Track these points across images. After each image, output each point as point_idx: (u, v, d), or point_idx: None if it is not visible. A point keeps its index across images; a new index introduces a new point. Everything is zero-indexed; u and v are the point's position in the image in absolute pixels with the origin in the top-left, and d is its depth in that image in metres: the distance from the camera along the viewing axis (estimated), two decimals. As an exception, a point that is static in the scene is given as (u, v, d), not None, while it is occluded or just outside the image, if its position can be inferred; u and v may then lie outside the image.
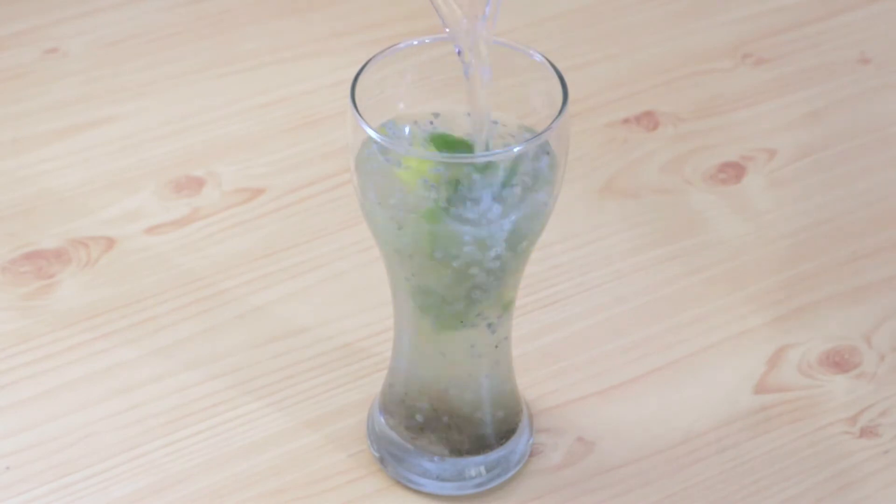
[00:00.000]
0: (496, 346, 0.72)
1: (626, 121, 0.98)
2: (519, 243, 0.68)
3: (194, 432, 0.78)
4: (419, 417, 0.74)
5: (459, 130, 0.68)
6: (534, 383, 0.80)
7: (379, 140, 0.65)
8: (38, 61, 1.02)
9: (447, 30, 0.64)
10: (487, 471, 0.75)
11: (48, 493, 0.75)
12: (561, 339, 0.83)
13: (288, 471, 0.76)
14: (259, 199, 0.91)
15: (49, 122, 0.97)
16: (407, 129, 0.68)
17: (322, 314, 0.84)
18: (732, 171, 0.94)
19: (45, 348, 0.82)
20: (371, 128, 0.65)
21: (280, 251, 0.88)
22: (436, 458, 0.74)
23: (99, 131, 0.96)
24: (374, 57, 0.68)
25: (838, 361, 0.82)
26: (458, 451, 0.74)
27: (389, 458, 0.75)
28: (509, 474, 0.75)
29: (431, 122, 0.68)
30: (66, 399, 0.79)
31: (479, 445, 0.74)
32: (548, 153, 0.66)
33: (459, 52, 0.64)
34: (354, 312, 0.84)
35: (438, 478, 0.75)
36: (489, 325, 0.71)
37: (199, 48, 1.03)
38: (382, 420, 0.76)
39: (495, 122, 0.67)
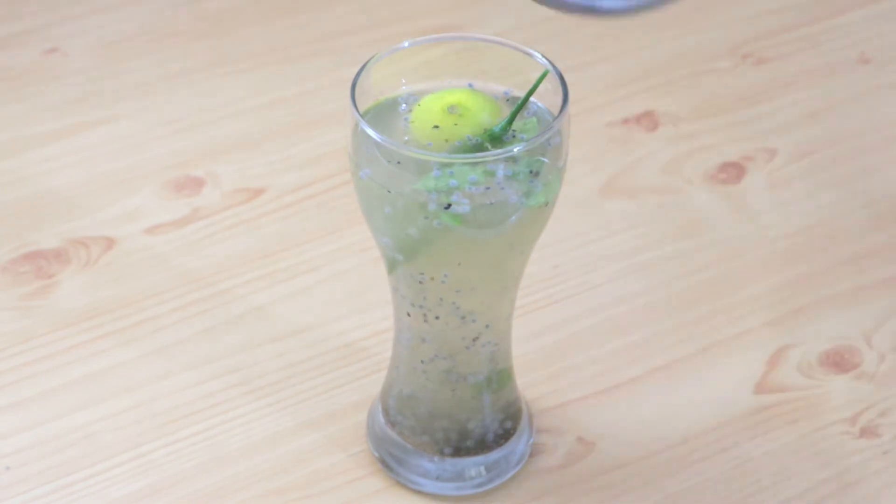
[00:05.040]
0: (496, 345, 0.72)
1: (626, 121, 0.98)
2: (518, 243, 0.68)
3: (194, 432, 0.78)
4: (419, 418, 0.74)
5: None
6: (534, 383, 0.80)
7: (379, 140, 0.65)
8: (38, 61, 1.02)
9: None
10: (487, 471, 0.75)
11: (48, 493, 0.75)
12: (561, 339, 0.83)
13: (288, 471, 0.76)
14: (259, 199, 0.91)
15: (49, 122, 0.97)
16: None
17: (322, 314, 0.84)
18: (732, 171, 0.94)
19: (45, 348, 0.82)
20: (371, 128, 0.65)
21: (280, 251, 0.88)
22: (435, 459, 0.74)
23: (99, 131, 0.96)
24: (373, 57, 0.68)
25: (838, 361, 0.82)
26: (457, 452, 0.74)
27: (389, 459, 0.75)
28: (509, 474, 0.75)
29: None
30: (66, 399, 0.79)
31: (479, 446, 0.74)
32: (547, 153, 0.66)
33: None
34: (354, 312, 0.84)
35: (438, 478, 0.74)
36: (488, 326, 0.71)
37: (199, 48, 1.03)
38: (382, 420, 0.75)
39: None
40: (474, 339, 0.71)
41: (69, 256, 0.87)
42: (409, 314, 0.71)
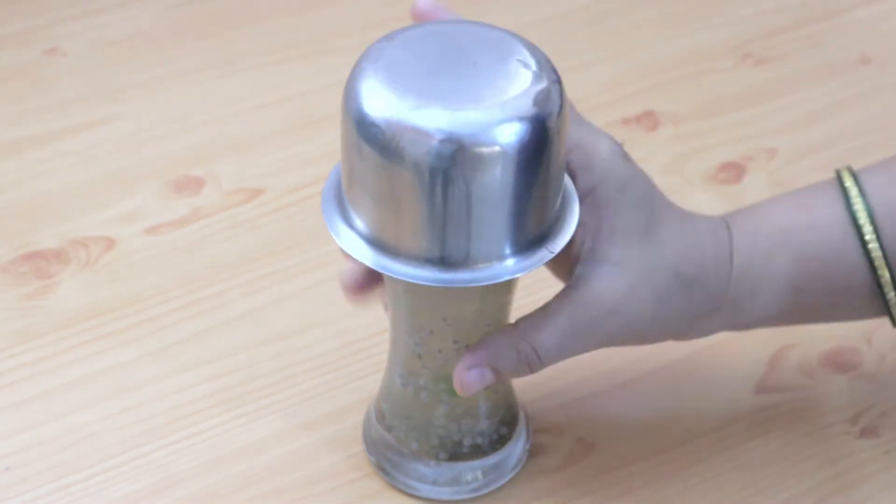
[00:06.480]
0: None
1: (626, 121, 0.98)
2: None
3: (194, 432, 0.78)
4: (414, 423, 0.74)
5: None
6: (534, 383, 0.80)
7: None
8: (38, 61, 1.02)
9: None
10: (484, 475, 0.74)
11: (48, 494, 0.75)
12: (561, 340, 0.83)
13: (286, 471, 0.76)
14: (259, 199, 0.91)
15: (49, 122, 0.97)
16: None
17: (322, 314, 0.84)
18: (732, 171, 0.94)
19: (45, 348, 0.82)
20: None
21: (280, 251, 0.88)
22: (431, 463, 0.74)
23: (99, 131, 0.96)
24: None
25: (838, 361, 0.82)
26: (453, 456, 0.74)
27: (385, 463, 0.75)
28: (505, 479, 0.75)
29: None
30: (66, 399, 0.79)
31: (475, 451, 0.74)
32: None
33: None
34: (354, 312, 0.84)
35: (434, 482, 0.74)
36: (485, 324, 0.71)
37: (199, 48, 1.03)
38: (378, 424, 0.75)
39: None
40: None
41: (69, 256, 0.87)
42: (405, 319, 0.70)
